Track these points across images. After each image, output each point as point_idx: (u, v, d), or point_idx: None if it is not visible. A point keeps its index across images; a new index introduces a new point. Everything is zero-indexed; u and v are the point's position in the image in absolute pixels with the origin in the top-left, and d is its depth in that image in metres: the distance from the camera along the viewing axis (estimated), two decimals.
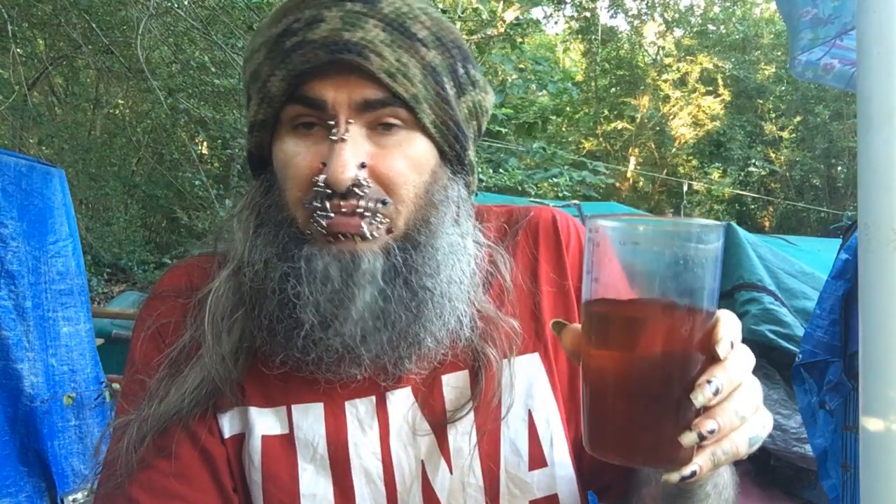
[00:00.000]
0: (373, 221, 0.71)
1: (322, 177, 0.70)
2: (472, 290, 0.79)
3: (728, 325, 0.57)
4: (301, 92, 0.71)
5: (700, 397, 0.54)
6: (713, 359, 0.56)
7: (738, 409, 0.56)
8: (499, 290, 0.83)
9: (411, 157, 0.74)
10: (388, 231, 0.73)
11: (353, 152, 0.70)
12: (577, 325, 0.63)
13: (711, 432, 0.54)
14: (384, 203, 0.72)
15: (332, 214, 0.70)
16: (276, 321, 0.73)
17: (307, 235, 0.73)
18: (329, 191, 0.70)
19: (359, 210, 0.71)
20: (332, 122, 0.71)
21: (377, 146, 0.72)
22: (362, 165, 0.71)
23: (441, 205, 0.77)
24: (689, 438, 0.55)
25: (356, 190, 0.70)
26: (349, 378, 0.76)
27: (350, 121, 0.71)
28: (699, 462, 0.56)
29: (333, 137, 0.70)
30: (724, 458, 0.57)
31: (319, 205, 0.70)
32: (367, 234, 0.71)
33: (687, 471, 0.56)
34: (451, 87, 0.77)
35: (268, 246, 0.75)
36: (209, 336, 0.75)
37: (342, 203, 0.70)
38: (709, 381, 0.54)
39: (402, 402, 0.79)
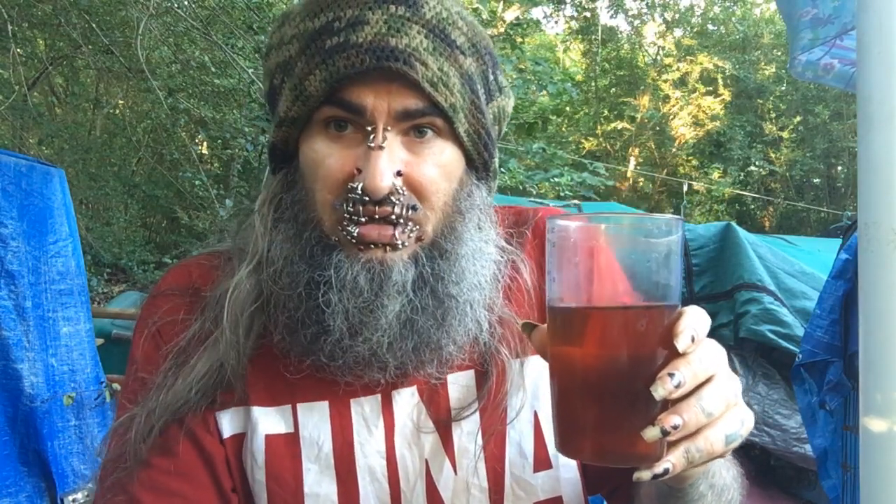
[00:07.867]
0: (405, 230, 0.71)
1: (359, 184, 0.69)
2: (492, 295, 0.79)
3: (690, 319, 0.55)
4: (340, 95, 0.70)
5: (660, 390, 0.52)
6: (677, 354, 0.54)
7: (705, 405, 0.54)
8: (516, 293, 0.83)
9: (443, 166, 0.74)
10: (418, 239, 0.73)
11: (390, 160, 0.70)
12: (545, 326, 0.62)
13: (675, 427, 0.53)
14: (415, 209, 0.72)
15: (364, 219, 0.70)
16: (301, 325, 0.73)
17: (334, 241, 0.73)
18: (366, 198, 0.69)
19: (392, 217, 0.70)
20: (370, 129, 0.70)
21: (411, 153, 0.72)
22: (398, 174, 0.71)
23: (467, 212, 0.77)
24: (651, 433, 0.53)
25: (391, 197, 0.70)
26: (371, 381, 0.76)
27: (388, 128, 0.70)
28: (671, 459, 0.54)
29: (371, 145, 0.70)
30: (699, 456, 0.55)
31: (352, 209, 0.70)
32: (399, 244, 0.71)
33: (659, 468, 0.54)
34: (482, 93, 0.77)
35: (287, 243, 0.75)
36: (227, 330, 0.75)
37: (377, 209, 0.70)
38: (670, 375, 0.52)
39: (407, 400, 0.79)
